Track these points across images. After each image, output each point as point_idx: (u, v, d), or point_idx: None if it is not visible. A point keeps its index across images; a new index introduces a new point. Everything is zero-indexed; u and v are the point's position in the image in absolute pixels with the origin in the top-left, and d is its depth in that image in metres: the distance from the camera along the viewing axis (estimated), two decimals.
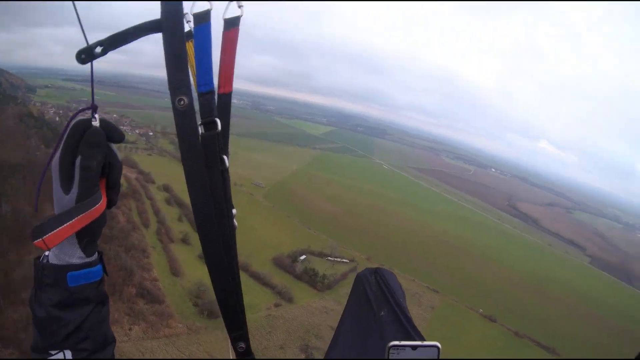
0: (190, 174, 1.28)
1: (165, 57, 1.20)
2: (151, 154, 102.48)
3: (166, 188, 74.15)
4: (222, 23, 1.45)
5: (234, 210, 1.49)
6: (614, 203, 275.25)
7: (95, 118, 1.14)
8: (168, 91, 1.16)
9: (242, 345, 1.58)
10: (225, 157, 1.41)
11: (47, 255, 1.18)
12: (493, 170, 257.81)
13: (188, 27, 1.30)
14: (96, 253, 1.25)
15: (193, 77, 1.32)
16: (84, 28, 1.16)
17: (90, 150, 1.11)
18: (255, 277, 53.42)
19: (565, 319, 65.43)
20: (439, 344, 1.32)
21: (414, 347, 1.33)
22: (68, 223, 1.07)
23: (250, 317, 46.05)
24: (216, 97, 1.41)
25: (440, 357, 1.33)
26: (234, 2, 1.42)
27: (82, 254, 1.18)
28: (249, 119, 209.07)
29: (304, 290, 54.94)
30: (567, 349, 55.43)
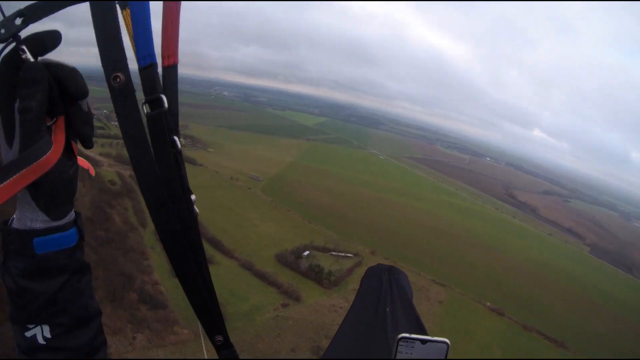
0: (135, 160, 1.09)
1: (94, 27, 1.01)
2: None
3: None
4: None
5: (192, 197, 1.27)
6: (608, 191, 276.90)
7: (23, 50, 0.90)
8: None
9: (220, 338, 1.41)
10: (176, 138, 1.18)
11: (13, 218, 1.03)
12: (488, 159, 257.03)
13: None
14: (70, 215, 1.08)
15: (133, 51, 1.11)
16: None
17: (27, 88, 0.89)
18: (260, 276, 51.66)
19: (569, 310, 65.14)
20: (448, 341, 1.29)
21: (423, 342, 1.29)
22: (3, 184, 0.86)
23: (259, 319, 44.30)
24: (160, 70, 1.17)
25: (449, 355, 1.29)
26: None
27: (45, 217, 1.01)
28: (240, 111, 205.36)
29: (310, 288, 53.25)
30: (575, 342, 54.73)
